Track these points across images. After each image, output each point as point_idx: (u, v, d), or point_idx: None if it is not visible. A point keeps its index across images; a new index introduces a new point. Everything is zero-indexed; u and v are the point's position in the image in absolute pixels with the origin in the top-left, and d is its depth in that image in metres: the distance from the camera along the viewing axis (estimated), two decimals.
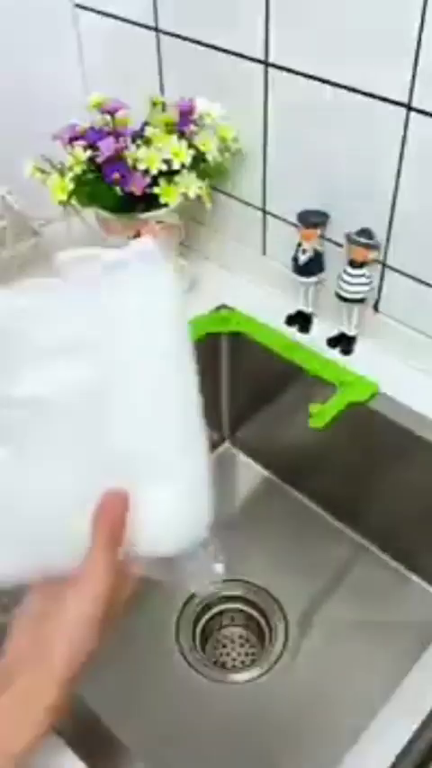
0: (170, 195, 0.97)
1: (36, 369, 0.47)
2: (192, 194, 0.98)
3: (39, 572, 0.50)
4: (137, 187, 0.96)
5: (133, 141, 0.97)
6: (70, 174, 0.96)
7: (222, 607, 1.02)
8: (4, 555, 0.50)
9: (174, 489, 0.51)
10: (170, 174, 0.97)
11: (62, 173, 0.97)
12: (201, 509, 0.52)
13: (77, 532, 0.49)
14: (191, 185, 0.98)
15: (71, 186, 0.97)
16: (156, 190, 0.97)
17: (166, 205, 0.99)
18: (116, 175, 0.95)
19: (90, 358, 0.48)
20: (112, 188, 0.97)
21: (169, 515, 0.51)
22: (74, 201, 1.00)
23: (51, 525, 0.49)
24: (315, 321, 1.03)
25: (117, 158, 0.95)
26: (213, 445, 0.98)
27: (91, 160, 0.96)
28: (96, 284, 0.49)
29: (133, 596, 0.53)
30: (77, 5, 1.10)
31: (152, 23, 1.01)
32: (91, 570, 0.48)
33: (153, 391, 0.50)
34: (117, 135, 0.97)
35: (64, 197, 0.98)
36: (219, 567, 0.54)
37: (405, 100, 0.80)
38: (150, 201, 0.99)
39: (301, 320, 1.02)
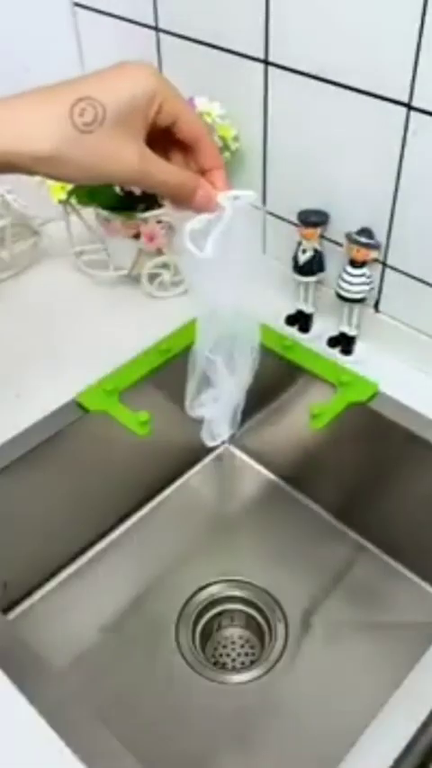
0: None
1: None
2: None
3: None
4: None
5: None
6: None
7: (222, 607, 1.01)
8: None
9: None
10: None
11: None
12: None
13: None
14: None
15: (70, 185, 0.96)
16: None
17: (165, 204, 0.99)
18: None
19: None
20: (112, 187, 0.96)
21: None
22: (73, 200, 1.00)
23: None
24: (315, 321, 1.02)
25: None
26: (212, 447, 0.94)
27: None
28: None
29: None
30: (76, 4, 1.10)
31: (152, 22, 1.00)
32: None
33: None
34: None
35: (63, 196, 0.98)
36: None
37: (405, 99, 0.80)
38: (151, 200, 0.99)
39: (301, 320, 1.01)
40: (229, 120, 0.97)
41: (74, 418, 0.90)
